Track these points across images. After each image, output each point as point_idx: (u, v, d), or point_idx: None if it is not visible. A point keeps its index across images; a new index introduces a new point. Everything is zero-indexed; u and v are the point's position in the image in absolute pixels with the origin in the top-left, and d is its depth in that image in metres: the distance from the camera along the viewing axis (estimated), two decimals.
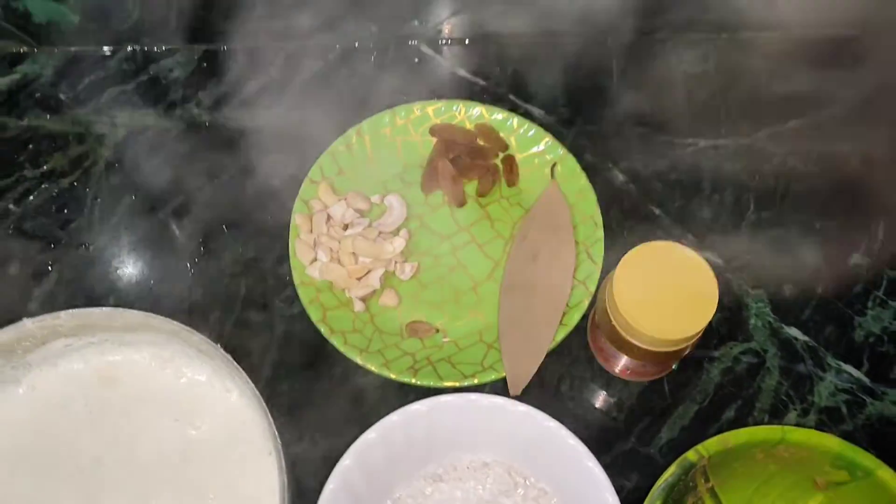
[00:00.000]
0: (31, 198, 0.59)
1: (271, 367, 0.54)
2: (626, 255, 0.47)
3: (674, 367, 0.53)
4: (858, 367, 0.54)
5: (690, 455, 0.46)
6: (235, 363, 0.46)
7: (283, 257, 0.56)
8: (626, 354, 0.49)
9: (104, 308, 0.47)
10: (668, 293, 0.46)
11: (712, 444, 0.46)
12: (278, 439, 0.44)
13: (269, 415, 0.45)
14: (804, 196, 0.59)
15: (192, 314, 0.55)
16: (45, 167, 0.60)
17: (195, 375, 0.49)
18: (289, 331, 0.55)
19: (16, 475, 0.47)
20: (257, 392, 0.45)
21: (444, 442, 0.48)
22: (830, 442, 0.46)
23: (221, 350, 0.46)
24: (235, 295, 0.56)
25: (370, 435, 0.46)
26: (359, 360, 0.52)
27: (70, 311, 0.47)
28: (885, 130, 0.60)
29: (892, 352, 0.54)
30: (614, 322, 0.47)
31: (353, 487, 0.45)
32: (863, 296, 0.56)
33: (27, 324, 0.46)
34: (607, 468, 0.45)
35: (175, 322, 0.46)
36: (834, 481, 0.47)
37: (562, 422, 0.46)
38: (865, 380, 0.53)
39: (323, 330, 0.52)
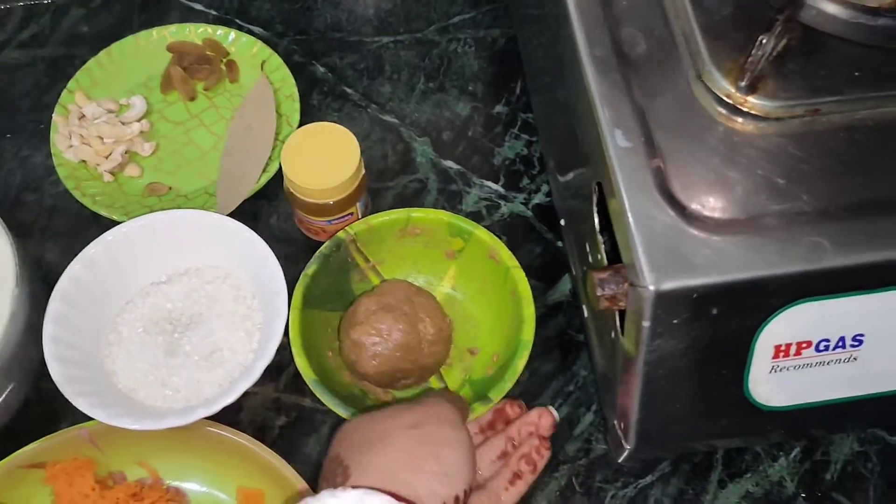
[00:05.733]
0: None
1: (39, 233, 0.68)
2: (291, 134, 0.63)
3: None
4: (496, 182, 0.70)
5: (340, 234, 0.62)
6: None
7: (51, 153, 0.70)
8: (299, 209, 0.64)
9: None
10: (321, 157, 0.62)
11: (356, 225, 0.62)
12: (18, 257, 0.58)
13: (14, 244, 0.59)
14: (461, 69, 0.76)
15: None
16: None
17: None
18: (55, 204, 0.69)
19: None
20: (8, 230, 0.60)
21: (162, 255, 0.63)
22: (442, 215, 0.62)
23: None
24: (11, 184, 0.70)
25: (92, 249, 0.60)
26: (104, 213, 0.66)
27: None
28: (522, 18, 0.78)
29: (521, 170, 0.71)
30: (287, 184, 0.63)
31: (85, 287, 0.60)
32: (503, 133, 0.73)
33: None
34: None
35: None
36: (456, 249, 0.64)
37: (272, 242, 0.61)
38: (501, 190, 0.70)
39: (76, 195, 0.67)
